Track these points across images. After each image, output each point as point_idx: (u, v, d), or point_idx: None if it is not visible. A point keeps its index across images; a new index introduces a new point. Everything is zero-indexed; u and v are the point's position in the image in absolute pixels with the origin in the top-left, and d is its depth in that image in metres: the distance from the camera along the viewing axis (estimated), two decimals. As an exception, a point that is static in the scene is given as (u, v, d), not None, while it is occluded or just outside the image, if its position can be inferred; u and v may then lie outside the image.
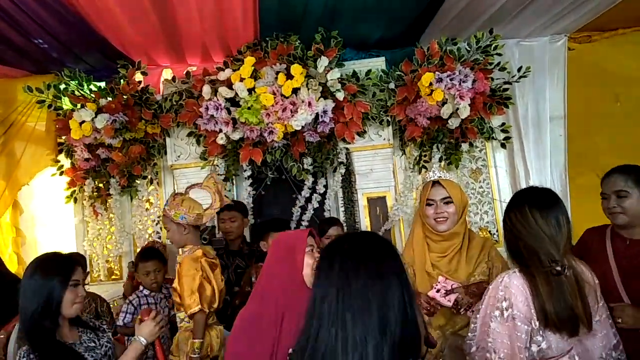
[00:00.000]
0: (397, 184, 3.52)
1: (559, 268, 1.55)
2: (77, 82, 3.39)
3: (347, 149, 3.42)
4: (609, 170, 2.12)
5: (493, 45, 3.22)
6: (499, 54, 3.26)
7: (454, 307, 2.00)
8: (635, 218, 2.02)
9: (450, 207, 2.15)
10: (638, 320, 1.90)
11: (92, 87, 3.47)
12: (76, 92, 3.39)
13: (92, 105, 3.27)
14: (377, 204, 3.46)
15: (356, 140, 3.41)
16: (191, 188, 2.70)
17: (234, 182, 3.59)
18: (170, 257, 3.13)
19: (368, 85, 3.38)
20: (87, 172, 3.56)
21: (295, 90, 3.17)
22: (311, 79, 3.19)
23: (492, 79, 3.31)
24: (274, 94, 3.15)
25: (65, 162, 3.64)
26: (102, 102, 3.31)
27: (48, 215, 3.79)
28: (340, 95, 3.24)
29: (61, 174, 3.63)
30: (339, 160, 3.40)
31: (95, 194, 3.59)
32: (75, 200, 3.64)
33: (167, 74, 3.65)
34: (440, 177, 2.20)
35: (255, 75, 3.21)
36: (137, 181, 3.59)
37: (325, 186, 3.50)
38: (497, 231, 3.50)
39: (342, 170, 3.42)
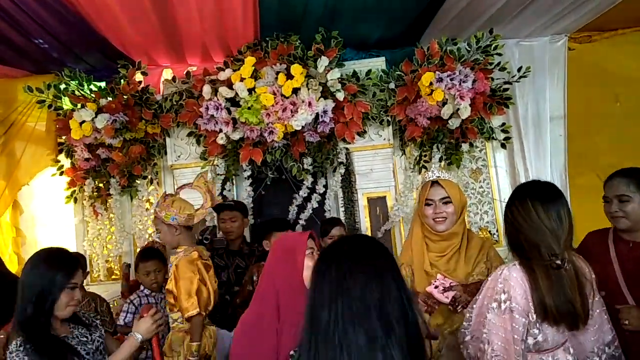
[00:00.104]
0: (397, 184, 3.52)
1: (559, 262, 1.56)
2: (77, 82, 3.39)
3: (347, 149, 3.43)
4: (612, 173, 2.12)
5: (493, 45, 3.23)
6: (499, 54, 3.26)
7: (452, 304, 2.00)
8: (637, 222, 2.03)
9: (449, 207, 2.15)
10: None
11: (92, 87, 3.47)
12: (76, 92, 3.39)
13: (93, 105, 3.27)
14: (377, 204, 3.46)
15: (356, 140, 3.41)
16: (182, 188, 2.71)
17: (234, 182, 3.58)
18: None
19: (368, 85, 3.38)
20: (87, 172, 3.56)
21: (296, 90, 3.18)
22: (311, 79, 3.19)
23: (492, 79, 3.31)
24: (274, 94, 3.15)
25: (66, 162, 3.64)
26: (103, 102, 3.31)
27: (48, 215, 3.79)
28: (340, 95, 3.24)
29: (61, 174, 3.63)
30: (339, 160, 3.40)
31: (95, 194, 3.59)
32: (75, 200, 3.64)
33: (167, 74, 3.65)
34: (439, 177, 2.20)
35: (255, 75, 3.22)
36: (137, 181, 3.59)
37: (325, 186, 3.50)
38: (497, 231, 3.50)
39: (342, 170, 3.42)
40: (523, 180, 3.43)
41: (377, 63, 3.51)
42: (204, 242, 2.92)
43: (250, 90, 3.19)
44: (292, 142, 3.36)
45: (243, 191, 3.56)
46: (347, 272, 1.11)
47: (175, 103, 3.44)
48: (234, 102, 3.27)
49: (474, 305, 1.72)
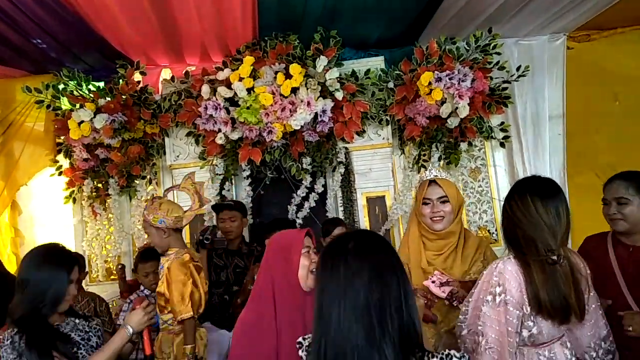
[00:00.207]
0: (397, 183, 3.51)
1: (554, 257, 1.57)
2: (75, 82, 3.38)
3: (346, 148, 3.43)
4: (612, 176, 2.13)
5: (492, 45, 3.23)
6: (498, 53, 3.27)
7: (448, 299, 2.00)
8: (635, 225, 2.03)
9: (447, 206, 2.16)
10: None
11: (90, 87, 3.46)
12: (75, 92, 3.38)
13: (91, 105, 3.27)
14: (376, 203, 3.46)
15: (355, 139, 3.41)
16: (169, 190, 2.70)
17: (233, 181, 3.58)
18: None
19: (367, 84, 3.38)
20: (86, 172, 3.56)
21: (294, 90, 3.17)
22: (310, 79, 3.19)
23: (491, 78, 3.31)
24: (273, 93, 3.15)
25: (64, 162, 3.63)
26: (101, 102, 3.30)
27: (47, 216, 3.78)
28: (339, 95, 3.24)
29: (60, 174, 3.62)
30: (338, 159, 3.40)
31: (94, 194, 3.58)
32: (74, 200, 3.63)
33: (166, 73, 3.64)
34: (436, 176, 2.20)
35: (254, 75, 3.21)
36: (136, 181, 3.58)
37: (324, 186, 3.50)
38: (496, 230, 3.50)
39: (342, 170, 3.42)
40: (522, 180, 3.44)
41: (376, 62, 3.51)
42: (205, 242, 2.91)
43: (249, 90, 3.18)
44: (291, 142, 3.35)
45: (242, 191, 3.56)
46: (354, 272, 1.13)
47: (174, 103, 3.44)
48: (232, 101, 3.26)
49: (470, 299, 1.73)
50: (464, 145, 3.42)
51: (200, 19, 2.88)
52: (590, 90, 3.56)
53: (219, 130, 3.30)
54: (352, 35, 3.32)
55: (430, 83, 3.09)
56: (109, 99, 3.33)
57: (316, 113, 3.18)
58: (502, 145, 3.48)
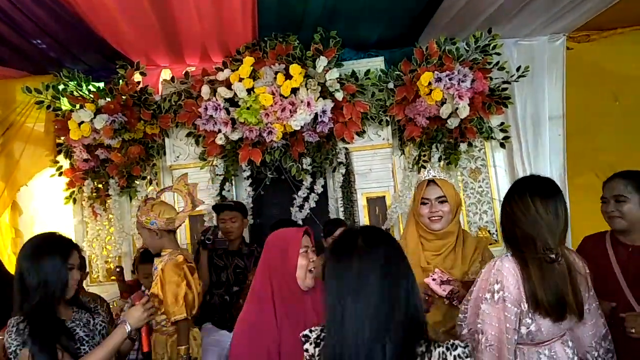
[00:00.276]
0: (397, 183, 3.51)
1: (552, 256, 1.58)
2: (75, 82, 3.38)
3: (346, 149, 3.43)
4: (611, 175, 2.13)
5: (492, 45, 3.23)
6: (498, 54, 3.27)
7: (448, 297, 2.00)
8: (633, 223, 2.03)
9: (445, 206, 2.16)
10: None
11: (90, 87, 3.46)
12: (75, 93, 3.38)
13: (91, 105, 3.27)
14: (377, 203, 3.46)
15: (355, 140, 3.41)
16: (162, 192, 2.70)
17: (233, 182, 3.58)
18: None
19: (367, 85, 3.38)
20: (86, 172, 3.56)
21: (294, 90, 3.18)
22: (310, 79, 3.19)
23: (491, 79, 3.31)
24: (273, 94, 3.15)
25: (64, 163, 3.64)
26: (101, 102, 3.30)
27: (47, 216, 3.78)
28: (339, 95, 3.24)
29: (60, 174, 3.63)
30: (338, 160, 3.40)
31: (94, 194, 3.58)
32: (75, 201, 3.63)
33: (165, 74, 3.65)
34: (435, 176, 2.20)
35: (254, 76, 3.21)
36: (136, 182, 3.58)
37: (324, 186, 3.50)
38: (496, 230, 3.50)
39: (342, 170, 3.42)
40: (522, 180, 3.44)
41: (376, 63, 3.51)
42: (207, 242, 2.91)
43: (249, 91, 3.19)
44: (291, 142, 3.35)
45: (242, 191, 3.56)
46: (367, 266, 1.16)
47: (174, 103, 3.44)
48: (232, 102, 3.26)
49: (469, 298, 1.74)
50: (464, 146, 3.42)
51: (200, 19, 2.88)
52: (590, 91, 3.56)
53: (219, 131, 3.30)
54: (352, 36, 3.32)
55: (430, 83, 3.09)
56: (109, 99, 3.33)
57: (316, 113, 3.18)
58: (502, 145, 3.48)
